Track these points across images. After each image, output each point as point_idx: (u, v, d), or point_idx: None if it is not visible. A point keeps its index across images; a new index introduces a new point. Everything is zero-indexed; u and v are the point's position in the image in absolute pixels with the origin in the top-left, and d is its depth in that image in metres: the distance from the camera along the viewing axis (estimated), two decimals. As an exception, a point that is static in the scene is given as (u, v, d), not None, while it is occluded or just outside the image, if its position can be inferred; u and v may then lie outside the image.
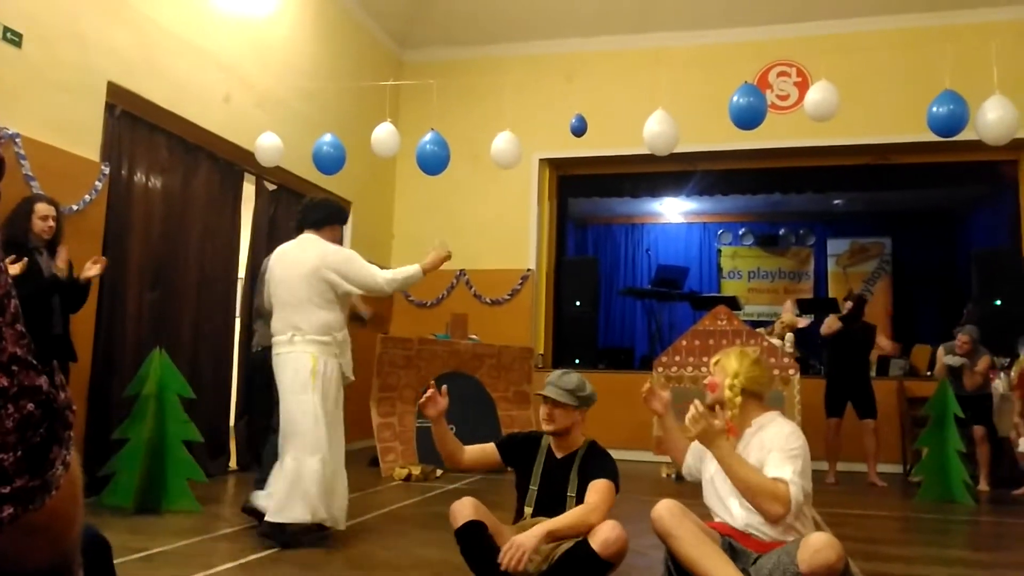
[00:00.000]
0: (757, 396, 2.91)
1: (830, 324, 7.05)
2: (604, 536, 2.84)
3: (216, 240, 6.38)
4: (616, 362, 9.82)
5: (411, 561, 3.56)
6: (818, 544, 2.57)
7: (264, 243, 7.08)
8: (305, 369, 3.82)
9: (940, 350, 6.99)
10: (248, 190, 6.98)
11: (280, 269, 4.10)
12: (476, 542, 2.84)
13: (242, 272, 6.89)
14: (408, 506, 5.08)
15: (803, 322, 7.75)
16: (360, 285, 4.16)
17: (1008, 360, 7.32)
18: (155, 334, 5.50)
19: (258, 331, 5.04)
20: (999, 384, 7.12)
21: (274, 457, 3.89)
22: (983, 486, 6.40)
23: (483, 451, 3.16)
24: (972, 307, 8.39)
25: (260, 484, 4.03)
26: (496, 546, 2.78)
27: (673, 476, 6.92)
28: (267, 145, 6.42)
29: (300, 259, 4.07)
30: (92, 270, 4.34)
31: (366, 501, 5.22)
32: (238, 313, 6.74)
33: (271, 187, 7.22)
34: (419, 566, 3.48)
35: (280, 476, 3.72)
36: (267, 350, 4.19)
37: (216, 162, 6.41)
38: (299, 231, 4.35)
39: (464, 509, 2.89)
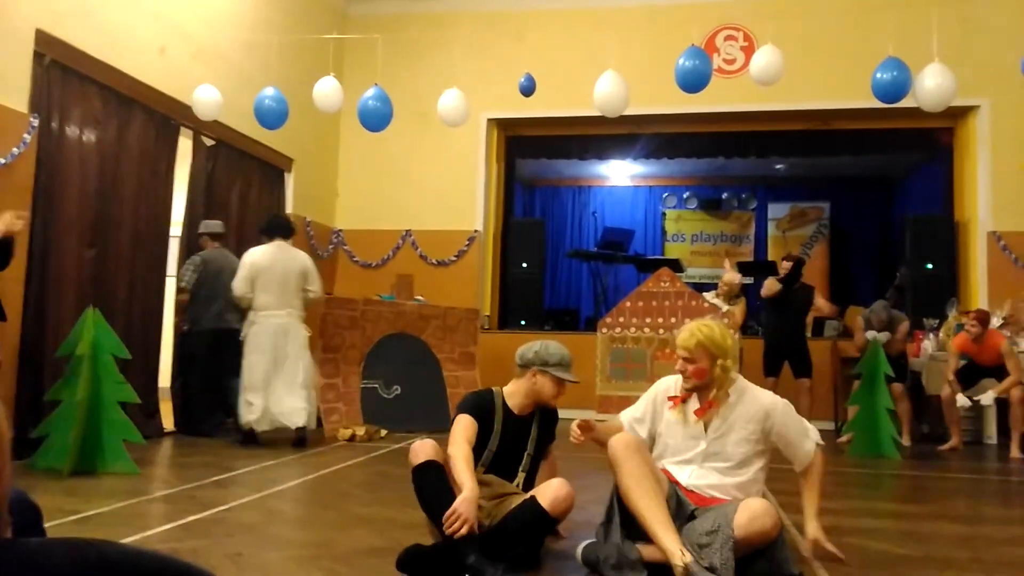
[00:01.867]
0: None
1: (769, 286, 7.20)
2: (553, 494, 2.88)
3: (151, 196, 6.18)
4: (562, 323, 9.90)
5: (355, 520, 3.56)
6: (756, 511, 2.63)
7: (202, 200, 6.90)
8: (304, 336, 5.95)
9: (859, 320, 7.21)
10: (185, 145, 6.76)
11: (280, 267, 5.88)
12: (433, 482, 2.85)
13: (178, 230, 6.70)
14: (352, 466, 5.07)
15: (740, 279, 7.90)
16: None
17: (937, 322, 7.60)
18: (90, 293, 5.34)
19: (212, 311, 6.10)
20: (928, 345, 7.40)
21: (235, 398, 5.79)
22: (905, 440, 6.66)
23: (470, 435, 3.01)
24: (904, 271, 8.66)
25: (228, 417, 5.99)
26: (451, 490, 2.78)
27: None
28: (205, 99, 6.22)
29: (293, 260, 5.98)
30: (16, 226, 4.15)
31: (309, 462, 5.19)
32: (172, 272, 6.57)
33: (209, 142, 7.01)
34: (363, 524, 3.48)
35: (306, 399, 5.80)
36: (221, 329, 6.17)
37: (151, 115, 6.18)
38: (271, 238, 6.01)
39: (425, 448, 2.92)
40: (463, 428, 3.02)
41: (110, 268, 5.72)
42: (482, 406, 3.17)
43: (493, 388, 3.30)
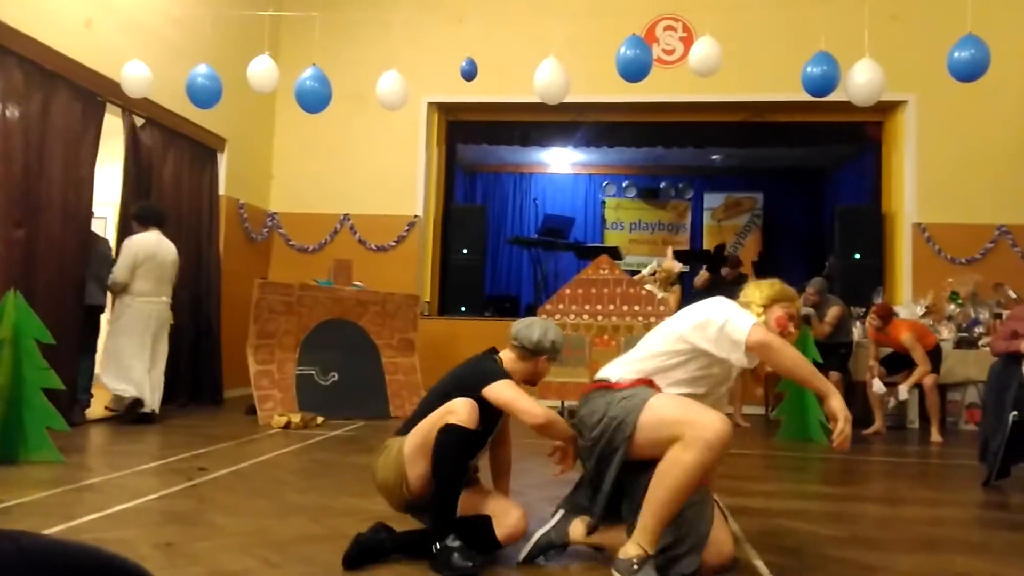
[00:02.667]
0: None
1: (701, 276, 7.45)
2: (512, 528, 2.87)
3: (76, 176, 5.93)
4: (502, 310, 9.90)
5: (290, 508, 3.51)
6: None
7: (133, 180, 6.67)
8: (170, 323, 6.36)
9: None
10: (114, 124, 6.52)
11: (162, 255, 6.17)
12: (467, 449, 2.75)
13: (106, 211, 6.48)
14: (287, 454, 4.99)
15: (678, 267, 8.03)
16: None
17: (864, 310, 7.85)
18: (17, 275, 5.11)
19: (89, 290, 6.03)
20: (855, 332, 7.64)
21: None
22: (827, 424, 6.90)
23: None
24: (834, 260, 8.92)
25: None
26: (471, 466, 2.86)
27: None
28: (134, 75, 6.00)
29: (170, 250, 6.26)
30: None
31: (243, 449, 5.09)
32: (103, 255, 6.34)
33: (139, 121, 6.77)
34: (299, 512, 3.43)
35: (160, 384, 6.21)
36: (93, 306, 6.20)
37: (76, 91, 5.93)
38: (146, 226, 6.19)
39: (474, 414, 2.71)
40: (520, 391, 2.89)
41: (39, 249, 5.48)
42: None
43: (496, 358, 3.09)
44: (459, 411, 2.70)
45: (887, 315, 6.76)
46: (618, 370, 2.91)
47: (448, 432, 2.68)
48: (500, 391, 2.83)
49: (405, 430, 2.92)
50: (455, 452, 2.70)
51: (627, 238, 13.11)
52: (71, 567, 1.35)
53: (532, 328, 3.11)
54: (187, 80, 6.20)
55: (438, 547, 2.65)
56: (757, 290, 2.95)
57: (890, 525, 3.61)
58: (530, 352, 3.08)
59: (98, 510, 3.32)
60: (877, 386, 6.77)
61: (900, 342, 6.66)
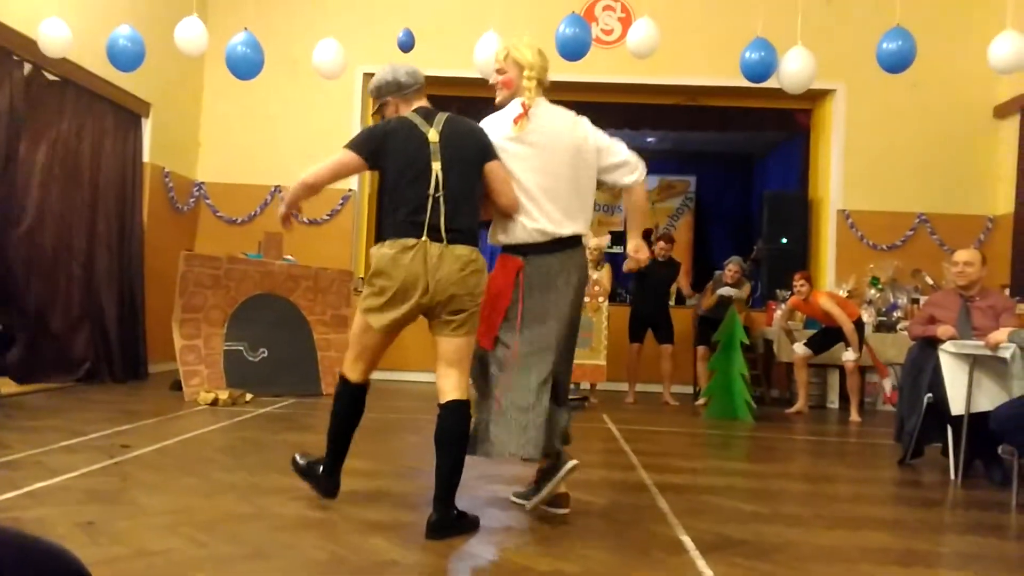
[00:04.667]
0: (542, 84, 3.24)
1: (628, 263, 7.56)
2: None
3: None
4: (435, 286, 9.84)
5: (218, 486, 3.43)
6: None
7: (36, 142, 6.35)
8: None
9: (710, 284, 7.66)
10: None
11: None
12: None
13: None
14: (215, 431, 4.87)
15: (606, 239, 8.11)
16: None
17: (789, 293, 8.07)
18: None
19: None
20: (779, 315, 7.86)
21: None
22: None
23: None
24: (761, 245, 9.14)
25: None
26: None
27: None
28: (52, 35, 5.71)
29: None
30: None
31: (168, 426, 4.95)
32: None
33: (52, 78, 6.43)
34: (226, 491, 3.36)
35: None
36: None
37: (-11, 48, 5.61)
38: None
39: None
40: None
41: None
42: None
43: None
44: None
45: (807, 280, 7.00)
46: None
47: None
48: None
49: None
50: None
51: (562, 217, 13.15)
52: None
53: (412, 71, 3.21)
54: (108, 42, 5.92)
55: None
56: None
57: (811, 502, 3.74)
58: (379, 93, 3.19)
59: (16, 488, 3.19)
60: (800, 349, 7.00)
61: (820, 307, 6.87)
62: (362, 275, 8.96)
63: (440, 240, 2.92)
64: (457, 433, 2.95)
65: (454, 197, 2.95)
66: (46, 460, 3.76)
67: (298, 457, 3.31)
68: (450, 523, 2.88)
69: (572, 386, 7.07)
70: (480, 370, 3.13)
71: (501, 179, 3.06)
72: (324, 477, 3.21)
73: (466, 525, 2.93)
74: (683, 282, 7.93)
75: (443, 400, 2.99)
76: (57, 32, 5.72)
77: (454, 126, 3.05)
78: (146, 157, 7.76)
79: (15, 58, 5.86)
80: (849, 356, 6.81)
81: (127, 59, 5.98)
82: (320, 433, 3.53)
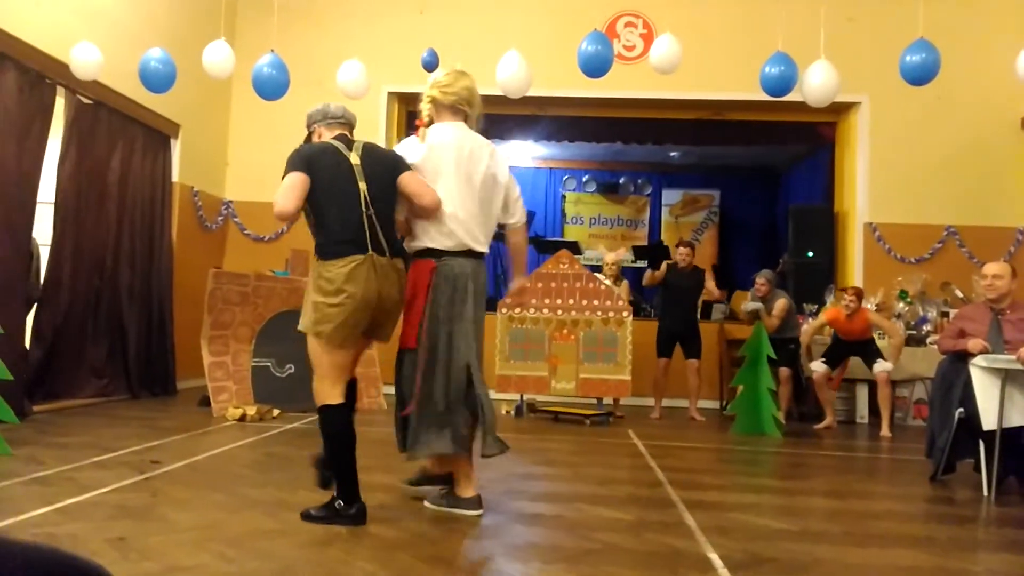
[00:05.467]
0: (451, 108, 3.46)
1: (648, 275, 7.66)
2: None
3: (24, 159, 5.75)
4: (460, 303, 9.86)
5: (246, 502, 3.46)
6: None
7: (76, 165, 6.47)
8: None
9: (750, 294, 7.58)
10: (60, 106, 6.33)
11: None
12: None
13: (50, 195, 6.27)
14: (243, 447, 4.91)
15: (622, 252, 8.11)
16: None
17: (816, 307, 8.01)
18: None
19: None
20: (806, 329, 7.79)
21: None
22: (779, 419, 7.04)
23: None
24: (787, 258, 9.08)
25: None
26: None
27: (512, 413, 7.12)
28: (84, 58, 5.83)
29: None
30: None
31: (197, 442, 5.00)
32: (48, 240, 6.16)
33: (87, 101, 6.56)
34: (254, 506, 3.38)
35: None
36: None
37: (25, 73, 5.74)
38: None
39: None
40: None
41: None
42: None
43: None
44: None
45: (862, 297, 6.90)
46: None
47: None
48: None
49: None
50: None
51: (587, 232, 13.17)
52: (22, 567, 1.31)
53: (344, 108, 3.48)
54: (140, 64, 6.05)
55: None
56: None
57: (840, 519, 3.70)
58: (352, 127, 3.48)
59: (48, 504, 3.24)
60: (816, 366, 6.92)
61: (866, 322, 6.77)
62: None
63: (384, 254, 3.17)
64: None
65: (382, 214, 3.21)
66: (77, 476, 3.82)
67: (312, 511, 3.23)
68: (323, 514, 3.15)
69: (596, 401, 7.07)
70: (407, 371, 3.33)
71: (417, 182, 3.31)
72: (353, 507, 3.16)
73: (340, 517, 3.14)
74: (710, 285, 7.90)
75: (339, 401, 3.22)
76: (88, 56, 5.85)
77: (370, 151, 3.34)
78: (175, 177, 7.89)
79: (48, 81, 6.00)
80: (883, 367, 6.72)
81: (159, 81, 6.10)
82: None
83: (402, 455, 3.35)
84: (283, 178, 3.18)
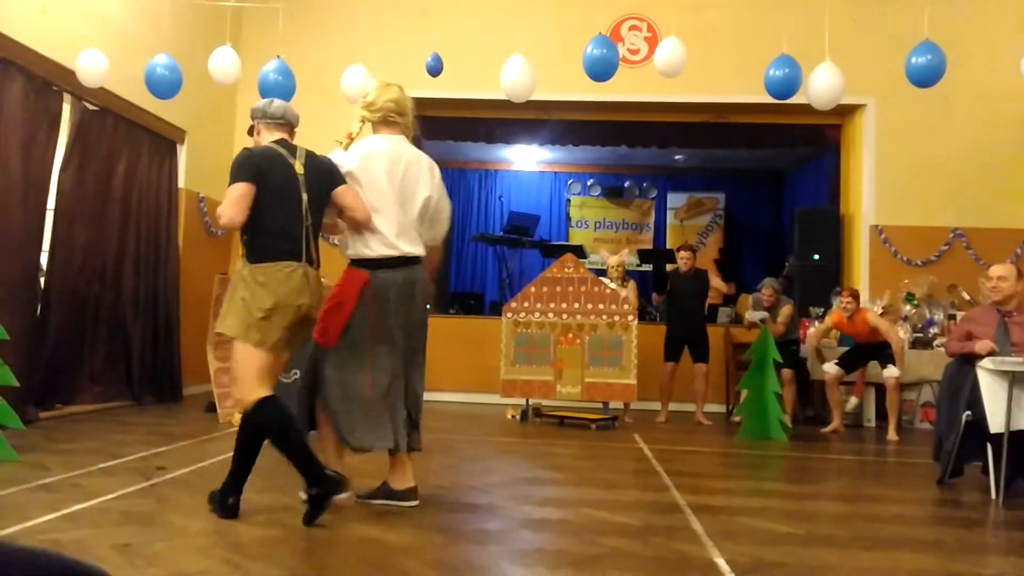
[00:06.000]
0: (384, 120, 3.59)
1: (656, 299, 7.74)
2: None
3: (31, 166, 5.78)
4: (467, 307, 9.89)
5: (251, 508, 3.46)
6: None
7: (80, 170, 6.48)
8: None
9: (751, 300, 7.56)
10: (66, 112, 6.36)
11: None
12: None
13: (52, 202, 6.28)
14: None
15: (624, 253, 8.09)
16: None
17: (823, 310, 7.99)
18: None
19: None
20: (813, 331, 7.76)
21: None
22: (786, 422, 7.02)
23: None
24: (793, 261, 9.05)
25: None
26: None
27: (518, 417, 7.10)
28: (90, 65, 5.86)
29: None
30: None
31: (203, 448, 5.01)
32: (46, 247, 6.17)
33: (92, 107, 6.58)
34: (259, 512, 3.39)
35: None
36: None
37: (31, 80, 5.77)
38: None
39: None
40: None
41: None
42: None
43: None
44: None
45: (858, 297, 6.90)
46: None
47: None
48: None
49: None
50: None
51: (592, 236, 13.16)
52: (25, 572, 1.31)
53: (288, 107, 3.53)
54: (146, 70, 6.07)
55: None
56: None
57: (848, 523, 3.68)
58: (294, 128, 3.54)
59: (54, 510, 3.25)
60: (828, 367, 6.91)
61: (868, 323, 6.76)
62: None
63: (312, 264, 3.30)
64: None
65: (316, 225, 3.34)
66: (84, 482, 3.82)
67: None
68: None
69: (601, 406, 7.06)
70: (328, 373, 3.42)
71: (353, 195, 3.38)
72: (325, 483, 3.16)
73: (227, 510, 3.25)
74: (716, 283, 7.88)
75: (269, 393, 3.27)
76: (95, 63, 5.88)
77: (313, 160, 3.40)
78: (181, 183, 7.92)
79: (54, 88, 6.02)
80: (892, 373, 6.71)
81: (165, 87, 6.13)
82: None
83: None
84: (230, 184, 3.22)
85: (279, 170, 3.28)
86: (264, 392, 3.23)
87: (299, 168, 3.32)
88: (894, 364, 6.73)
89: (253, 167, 3.25)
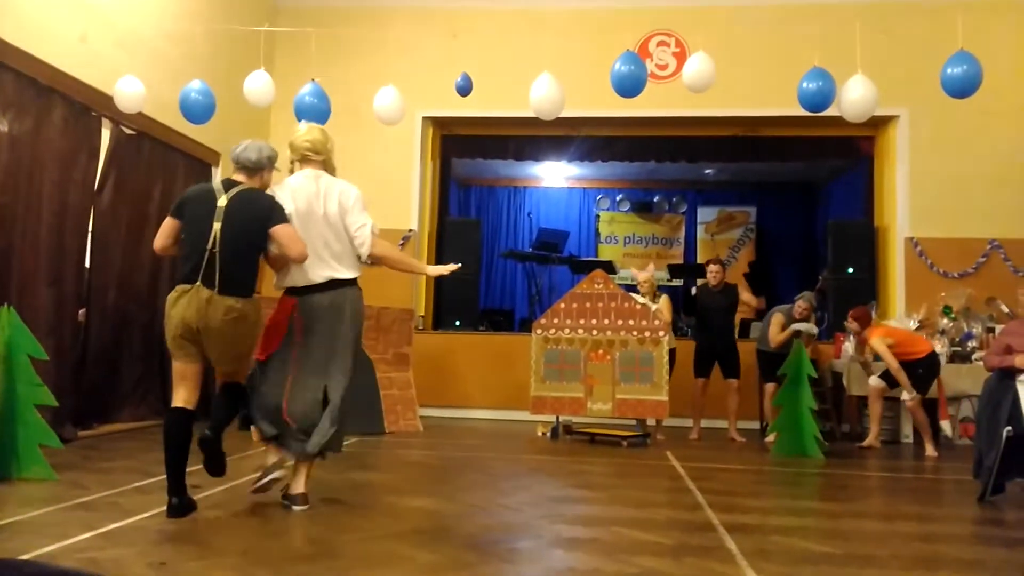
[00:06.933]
0: (308, 159, 3.97)
1: (686, 319, 7.84)
2: None
3: (70, 190, 5.92)
4: (496, 324, 9.90)
5: (283, 526, 3.49)
6: None
7: (117, 192, 6.62)
8: None
9: (777, 315, 7.44)
10: (105, 136, 6.51)
11: None
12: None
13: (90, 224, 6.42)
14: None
15: (651, 268, 8.04)
16: None
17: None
18: (3, 291, 5.09)
19: None
20: (848, 347, 7.65)
21: None
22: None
23: None
24: (827, 275, 8.95)
25: None
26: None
27: (548, 435, 7.08)
28: (127, 91, 6.00)
29: None
30: None
31: (236, 466, 5.03)
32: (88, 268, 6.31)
33: (130, 132, 6.73)
34: (293, 530, 3.41)
35: None
36: None
37: (71, 106, 5.92)
38: None
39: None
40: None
41: (26, 264, 5.46)
42: None
43: None
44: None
45: (864, 318, 6.80)
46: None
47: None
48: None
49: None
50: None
51: (621, 252, 13.13)
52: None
53: (248, 150, 3.81)
54: (181, 96, 6.21)
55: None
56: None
57: (886, 541, 3.61)
58: (252, 169, 3.82)
59: (91, 529, 3.30)
60: (873, 381, 6.81)
61: (871, 348, 6.69)
62: (422, 313, 9.08)
63: (212, 287, 3.56)
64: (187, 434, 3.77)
65: (228, 253, 3.59)
66: (120, 501, 3.89)
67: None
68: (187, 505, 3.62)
69: (634, 423, 7.01)
70: (258, 384, 3.91)
71: (287, 236, 3.68)
72: (179, 502, 3.60)
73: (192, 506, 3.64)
74: (746, 297, 7.80)
75: (175, 405, 3.78)
76: (132, 88, 6.02)
77: (243, 195, 3.70)
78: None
79: (93, 114, 6.18)
80: (904, 396, 6.62)
81: (199, 112, 6.26)
82: (385, 472, 3.58)
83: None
84: None
85: (201, 204, 3.67)
86: (175, 398, 3.79)
87: (222, 202, 3.65)
88: (927, 384, 6.62)
89: (179, 203, 3.74)
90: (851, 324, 6.79)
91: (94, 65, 6.11)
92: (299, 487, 3.84)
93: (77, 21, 5.99)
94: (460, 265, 4.99)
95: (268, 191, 3.86)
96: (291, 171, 4.01)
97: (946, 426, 6.76)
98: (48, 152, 5.66)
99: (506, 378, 8.23)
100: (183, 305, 3.58)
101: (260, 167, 3.83)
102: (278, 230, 3.68)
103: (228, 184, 3.75)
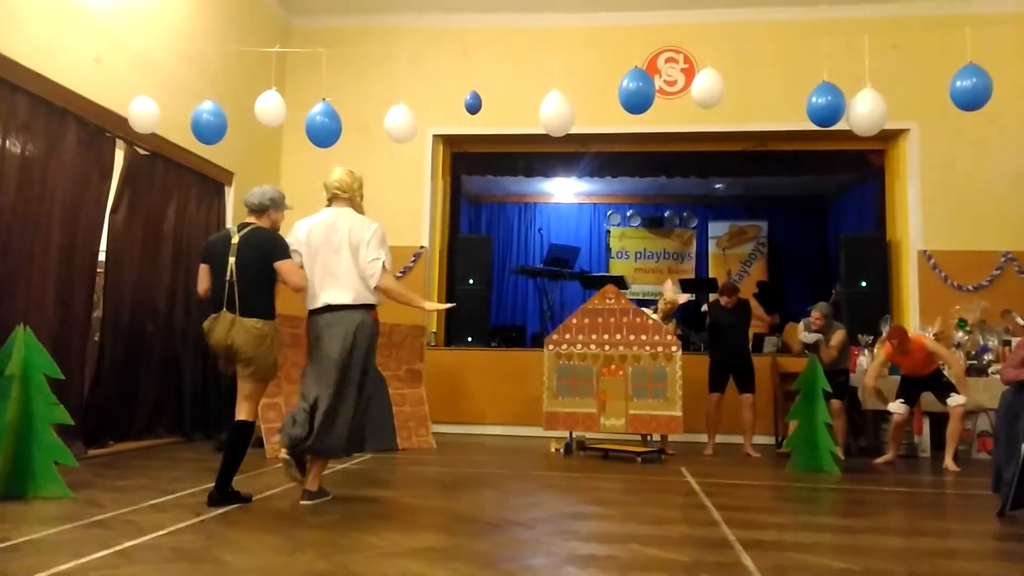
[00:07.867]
0: (338, 198, 4.55)
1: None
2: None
3: (84, 210, 5.97)
4: (508, 340, 9.89)
5: (299, 543, 3.48)
6: None
7: (131, 213, 6.67)
8: None
9: (800, 325, 7.40)
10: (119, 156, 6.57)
11: None
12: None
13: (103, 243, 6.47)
14: (295, 488, 4.93)
15: (683, 298, 8.03)
16: None
17: (872, 338, 7.83)
18: (15, 310, 5.13)
19: None
20: (863, 360, 7.61)
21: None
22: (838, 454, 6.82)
23: None
24: (840, 289, 8.91)
25: None
26: None
27: (561, 451, 7.05)
28: (141, 111, 6.07)
29: None
30: None
31: (250, 484, 5.05)
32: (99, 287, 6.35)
33: (143, 152, 6.80)
34: (307, 548, 3.41)
35: None
36: None
37: (85, 127, 5.99)
38: None
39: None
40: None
41: (36, 283, 5.50)
42: None
43: None
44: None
45: (903, 335, 6.64)
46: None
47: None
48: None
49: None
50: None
51: (632, 267, 13.13)
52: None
53: (253, 195, 4.44)
54: (192, 117, 6.27)
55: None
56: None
57: (904, 557, 3.57)
58: (257, 211, 4.43)
59: (107, 547, 3.30)
60: (894, 407, 6.71)
61: (924, 351, 6.54)
62: (434, 329, 9.09)
63: (234, 311, 4.19)
64: (242, 441, 4.35)
65: (244, 282, 4.21)
66: (135, 519, 3.89)
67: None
68: (226, 496, 4.25)
69: (647, 438, 6.97)
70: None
71: (286, 271, 4.27)
72: (222, 494, 4.29)
73: (240, 498, 4.30)
74: (759, 312, 7.76)
75: (236, 419, 4.35)
76: (146, 109, 6.09)
77: (251, 233, 4.32)
78: (229, 223, 8.10)
79: (107, 135, 6.24)
80: (957, 400, 6.49)
81: (210, 133, 6.32)
82: (398, 489, 3.57)
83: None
84: None
85: (220, 245, 4.32)
86: (239, 415, 4.35)
87: (235, 240, 4.27)
88: (956, 392, 6.52)
89: (204, 249, 4.45)
90: (895, 342, 6.57)
91: (108, 86, 6.18)
92: (310, 484, 4.42)
93: (91, 43, 6.06)
94: (454, 304, 5.99)
95: (280, 227, 4.52)
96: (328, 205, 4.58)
97: (916, 439, 7.02)
98: (61, 173, 5.71)
99: (519, 394, 8.22)
100: (215, 330, 4.21)
101: (264, 208, 4.40)
102: (279, 265, 4.26)
103: (241, 226, 4.36)
